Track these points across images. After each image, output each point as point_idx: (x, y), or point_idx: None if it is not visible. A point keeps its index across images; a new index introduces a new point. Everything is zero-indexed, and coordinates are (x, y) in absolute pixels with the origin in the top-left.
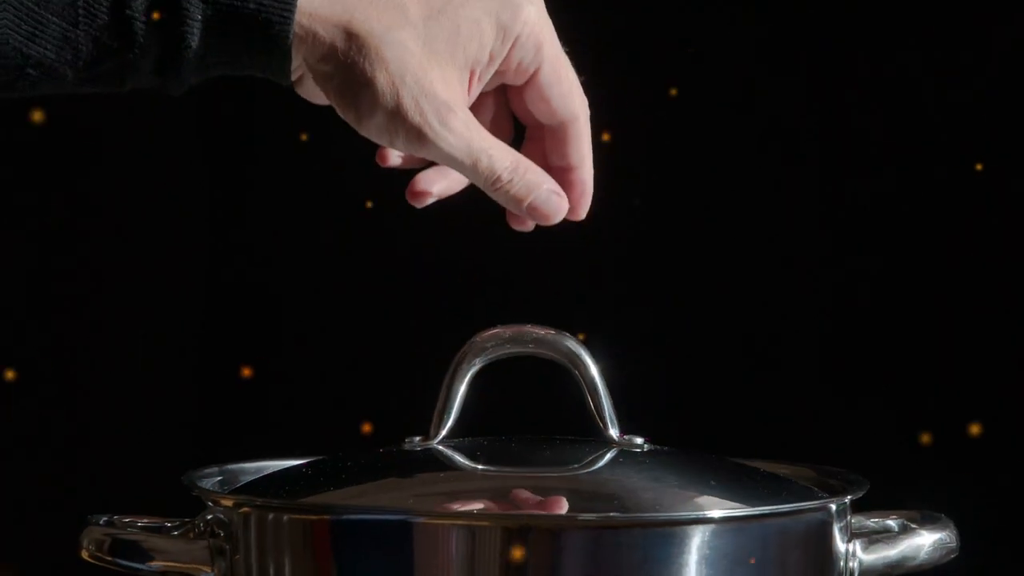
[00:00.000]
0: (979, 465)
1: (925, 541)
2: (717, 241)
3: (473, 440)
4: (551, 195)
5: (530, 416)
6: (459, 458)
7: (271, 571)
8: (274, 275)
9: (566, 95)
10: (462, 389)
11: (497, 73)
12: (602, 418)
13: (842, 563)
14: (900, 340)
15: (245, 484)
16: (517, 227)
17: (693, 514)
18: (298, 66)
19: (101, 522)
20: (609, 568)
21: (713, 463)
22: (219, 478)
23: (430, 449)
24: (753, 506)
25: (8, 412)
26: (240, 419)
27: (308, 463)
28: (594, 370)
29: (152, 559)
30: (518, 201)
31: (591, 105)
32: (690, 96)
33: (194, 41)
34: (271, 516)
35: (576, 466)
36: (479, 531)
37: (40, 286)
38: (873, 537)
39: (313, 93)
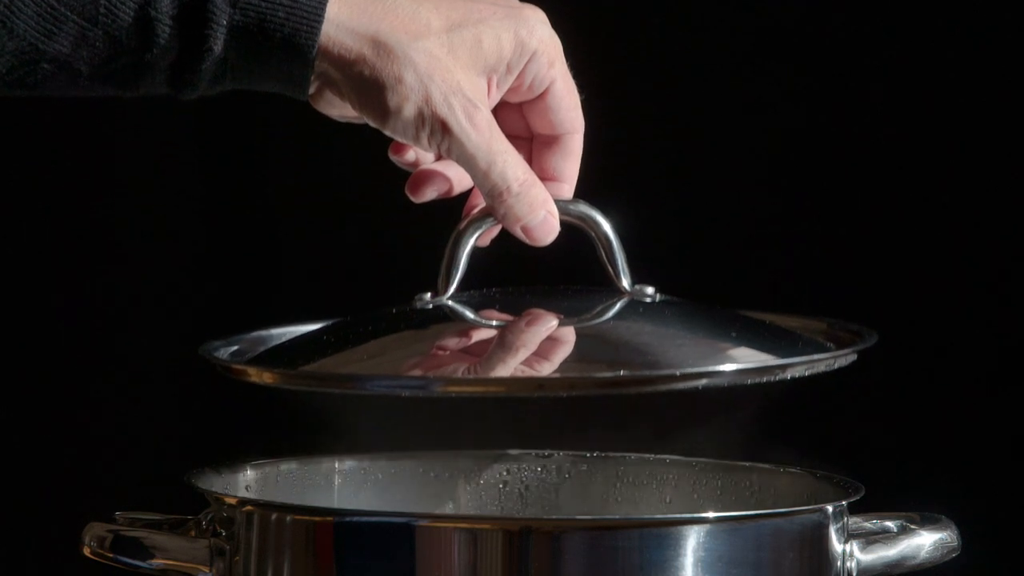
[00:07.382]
0: (979, 465)
1: (925, 541)
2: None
3: (483, 293)
4: (548, 219)
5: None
6: (470, 313)
7: (269, 573)
8: (274, 274)
9: (572, 109)
10: (470, 244)
11: (511, 90)
12: (615, 268)
13: (839, 563)
14: (900, 341)
15: (257, 355)
16: (479, 244)
17: (688, 515)
18: (316, 79)
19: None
20: (607, 568)
21: (725, 315)
22: (235, 347)
23: (442, 306)
24: (773, 357)
25: (9, 406)
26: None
27: (325, 326)
28: (607, 227)
29: (153, 556)
30: (515, 219)
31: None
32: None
33: (217, 46)
34: (274, 516)
35: (587, 316)
36: (480, 534)
37: (40, 284)
38: (871, 538)
39: (330, 106)
